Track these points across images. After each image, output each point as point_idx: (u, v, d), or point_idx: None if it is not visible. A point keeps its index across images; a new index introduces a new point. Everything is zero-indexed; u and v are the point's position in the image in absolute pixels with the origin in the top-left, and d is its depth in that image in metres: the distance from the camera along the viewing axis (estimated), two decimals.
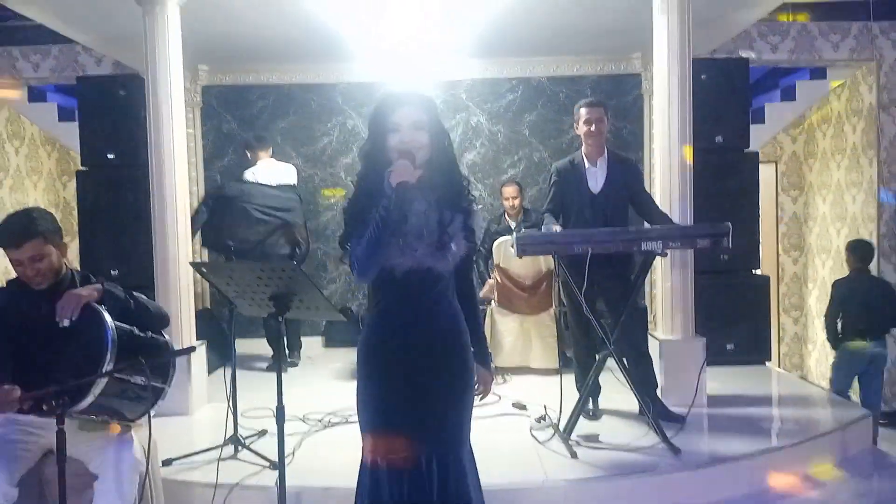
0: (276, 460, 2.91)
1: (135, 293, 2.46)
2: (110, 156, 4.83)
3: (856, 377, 4.95)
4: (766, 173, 6.87)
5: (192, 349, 2.38)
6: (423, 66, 5.65)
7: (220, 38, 4.95)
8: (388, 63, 5.51)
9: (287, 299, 2.47)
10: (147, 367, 1.91)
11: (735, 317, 4.72)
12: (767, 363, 4.89)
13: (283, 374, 2.51)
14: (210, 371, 4.41)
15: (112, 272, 4.81)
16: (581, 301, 3.35)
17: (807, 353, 6.87)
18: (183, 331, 3.99)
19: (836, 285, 5.05)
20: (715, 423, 3.67)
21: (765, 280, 4.94)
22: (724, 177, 4.71)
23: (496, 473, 2.93)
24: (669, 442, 3.23)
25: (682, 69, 3.89)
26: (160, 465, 2.94)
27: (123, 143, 4.73)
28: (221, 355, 4.73)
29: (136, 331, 2.27)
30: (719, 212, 4.18)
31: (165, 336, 2.48)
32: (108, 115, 4.78)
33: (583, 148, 3.75)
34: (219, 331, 5.03)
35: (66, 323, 2.15)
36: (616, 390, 3.82)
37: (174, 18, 3.90)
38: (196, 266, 2.69)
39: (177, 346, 3.94)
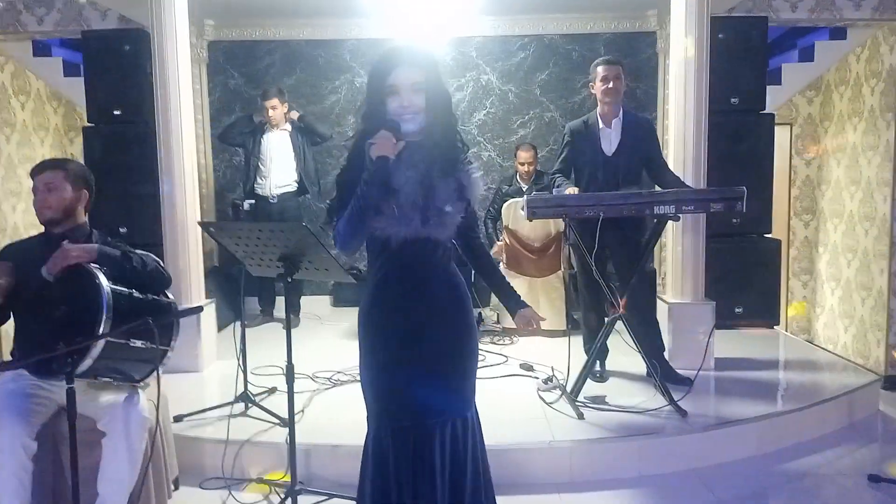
0: (286, 417, 2.96)
1: (136, 252, 2.45)
2: (116, 112, 4.78)
3: None
4: (780, 135, 6.76)
5: (200, 309, 2.38)
6: (433, 23, 5.52)
7: None
8: (397, 19, 5.39)
9: (296, 260, 2.46)
10: (154, 327, 1.89)
11: (745, 280, 4.69)
12: (776, 327, 4.88)
13: (293, 332, 2.52)
14: (220, 328, 4.45)
15: (120, 230, 4.81)
16: (591, 264, 3.33)
17: (814, 318, 6.86)
18: (192, 289, 4.01)
19: None
20: (722, 387, 3.68)
21: (776, 244, 4.90)
22: (739, 139, 4.62)
23: (503, 434, 2.96)
24: (676, 404, 3.24)
25: (700, 29, 3.80)
26: (171, 421, 2.98)
27: (130, 99, 4.67)
28: (232, 313, 4.76)
29: (136, 293, 2.26)
30: (733, 174, 4.12)
31: (169, 296, 2.47)
32: (114, 71, 4.72)
33: (598, 108, 3.68)
34: (229, 288, 5.05)
35: (48, 277, 2.16)
36: (624, 353, 3.82)
37: None
38: (204, 226, 2.67)
39: (186, 305, 3.98)
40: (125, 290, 2.22)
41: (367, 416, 1.96)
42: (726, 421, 3.19)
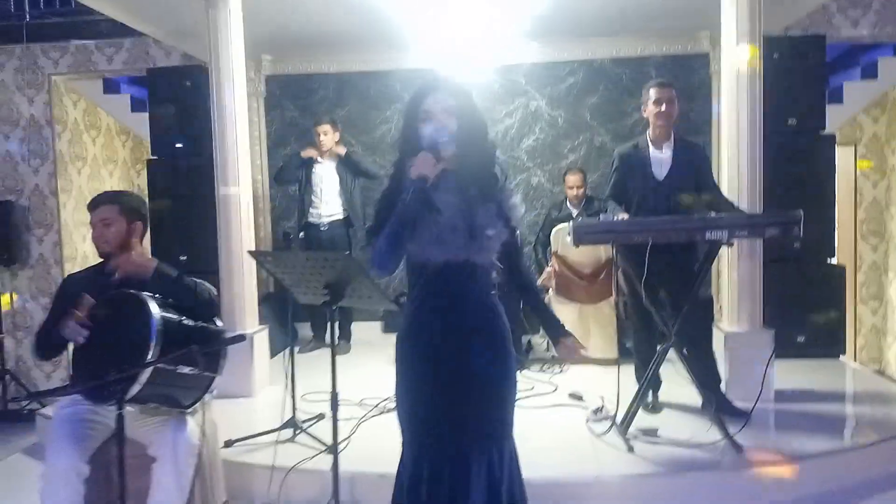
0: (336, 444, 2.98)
1: (189, 279, 2.53)
2: (179, 145, 5.01)
3: None
4: (844, 156, 6.51)
5: (242, 338, 2.42)
6: (481, 51, 5.58)
7: (282, 28, 5.03)
8: (445, 49, 5.47)
9: (340, 287, 2.50)
10: (198, 354, 1.95)
11: (807, 308, 4.51)
12: (842, 357, 4.65)
13: (337, 360, 2.55)
14: (273, 354, 4.53)
15: (180, 258, 5.00)
16: (640, 291, 3.26)
17: (886, 346, 6.51)
18: (246, 315, 4.11)
19: None
20: (782, 420, 3.52)
21: (840, 269, 4.70)
22: (798, 161, 4.49)
23: (549, 465, 2.90)
24: (732, 438, 3.11)
25: (753, 48, 3.71)
26: (220, 446, 3.04)
27: (191, 133, 4.88)
28: (285, 339, 4.85)
29: (186, 320, 2.34)
30: (792, 198, 4.00)
31: (218, 323, 2.54)
32: (177, 106, 4.95)
33: (649, 131, 3.62)
34: (283, 314, 5.16)
35: (115, 277, 2.25)
36: (678, 383, 3.71)
37: (236, 10, 3.97)
38: (254, 255, 2.75)
39: (240, 331, 4.08)
40: (175, 316, 2.29)
41: (403, 444, 1.96)
42: (786, 457, 3.04)
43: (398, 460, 2.02)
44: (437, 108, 1.89)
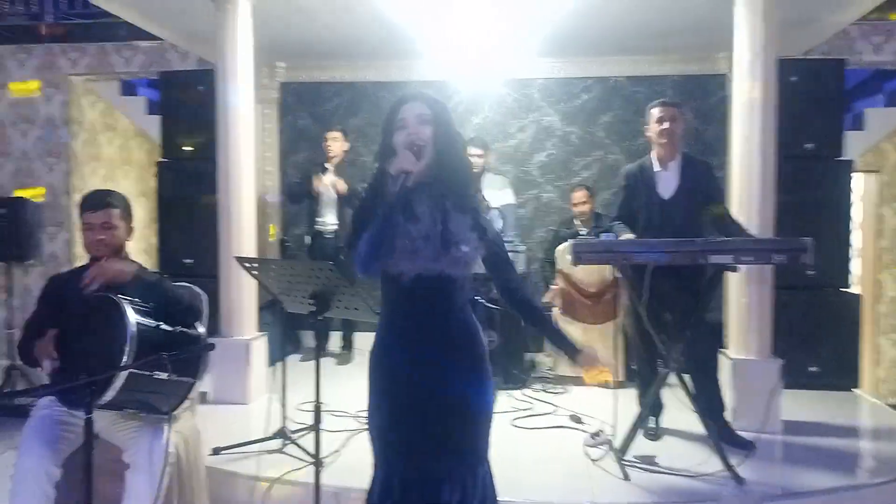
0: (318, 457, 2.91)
1: (169, 283, 2.47)
2: (188, 148, 5.01)
3: None
4: (866, 184, 6.35)
5: (211, 347, 2.34)
6: (495, 65, 5.55)
7: (296, 35, 5.03)
8: (459, 61, 5.45)
9: (327, 298, 2.45)
10: (172, 360, 1.90)
11: (820, 337, 4.37)
12: (856, 389, 4.49)
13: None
14: (274, 362, 4.48)
15: (185, 261, 4.98)
16: (641, 313, 3.17)
17: None
18: (245, 322, 4.06)
19: None
20: (790, 453, 3.39)
21: (854, 298, 4.55)
22: (814, 186, 4.37)
23: (540, 489, 2.82)
24: (733, 469, 2.99)
25: (766, 70, 3.62)
26: (209, 453, 2.99)
27: (201, 137, 4.88)
28: (290, 346, 4.82)
29: (164, 325, 2.28)
30: (806, 224, 3.88)
31: (199, 329, 2.48)
32: (187, 109, 4.95)
33: (654, 151, 3.55)
34: (285, 322, 5.12)
35: (87, 290, 2.20)
36: (683, 410, 3.59)
37: (245, 15, 3.97)
38: (240, 261, 2.70)
39: (238, 337, 4.05)
40: (152, 322, 2.24)
41: (374, 462, 1.90)
42: (790, 492, 2.92)
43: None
44: (412, 115, 1.86)
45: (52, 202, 6.10)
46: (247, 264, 2.64)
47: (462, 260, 1.83)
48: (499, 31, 4.78)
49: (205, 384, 4.04)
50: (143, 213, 6.61)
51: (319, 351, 2.52)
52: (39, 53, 5.99)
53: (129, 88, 6.37)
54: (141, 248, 6.70)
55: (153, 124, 6.03)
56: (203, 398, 4.03)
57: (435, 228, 1.83)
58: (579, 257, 3.03)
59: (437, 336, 1.85)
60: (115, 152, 6.73)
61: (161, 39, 5.49)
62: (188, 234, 4.97)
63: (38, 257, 6.06)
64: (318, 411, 2.47)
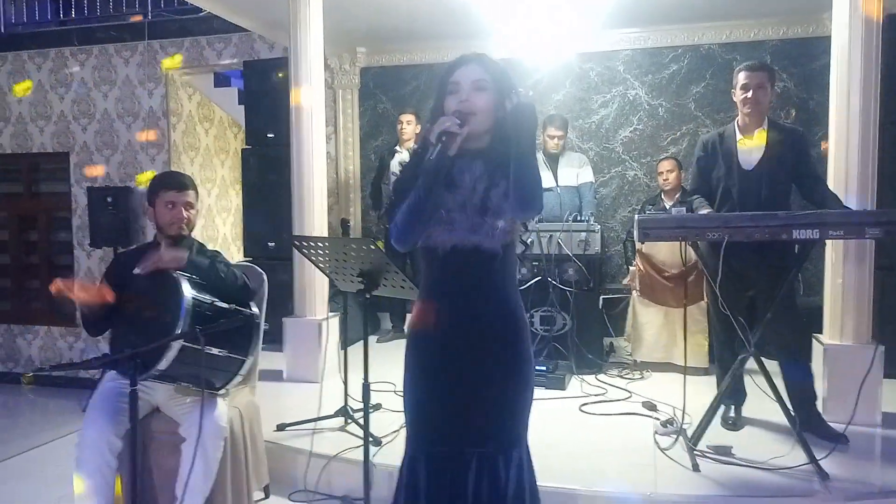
0: (378, 436, 2.94)
1: (226, 264, 2.54)
2: (270, 135, 5.17)
3: None
4: None
5: (256, 323, 2.39)
6: (576, 39, 5.35)
7: (374, 20, 5.06)
8: (539, 36, 5.28)
9: (374, 276, 2.44)
10: (203, 335, 1.95)
11: None
12: None
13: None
14: (352, 342, 4.56)
15: (269, 244, 5.17)
16: (717, 293, 2.95)
17: None
18: (317, 303, 4.15)
19: None
20: (887, 448, 3.07)
21: None
22: None
23: (601, 477, 2.72)
24: (818, 463, 2.74)
25: (869, 27, 3.26)
26: (272, 430, 3.08)
27: (281, 123, 5.01)
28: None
29: (219, 302, 2.35)
30: None
31: (253, 308, 2.54)
32: (269, 97, 5.11)
33: (738, 118, 3.29)
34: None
35: (137, 270, 2.30)
36: (769, 399, 3.32)
37: (316, 1, 4.01)
38: (294, 239, 2.74)
39: (311, 317, 4.14)
40: (207, 298, 2.31)
41: (406, 438, 1.86)
42: (883, 490, 2.64)
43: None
44: (466, 80, 1.75)
45: None
46: (296, 243, 2.68)
47: (498, 234, 1.73)
48: (579, 3, 4.60)
49: (280, 362, 4.22)
50: (237, 199, 6.92)
51: (366, 330, 2.51)
52: (142, 50, 6.37)
53: (223, 80, 6.67)
54: (237, 232, 7.03)
55: (242, 113, 6.29)
56: (279, 376, 4.18)
57: (473, 198, 1.74)
58: (646, 234, 2.85)
59: (474, 314, 1.77)
60: (211, 142, 7.07)
61: (250, 31, 5.68)
62: (271, 219, 5.14)
63: (141, 242, 6.48)
64: (366, 391, 2.48)
